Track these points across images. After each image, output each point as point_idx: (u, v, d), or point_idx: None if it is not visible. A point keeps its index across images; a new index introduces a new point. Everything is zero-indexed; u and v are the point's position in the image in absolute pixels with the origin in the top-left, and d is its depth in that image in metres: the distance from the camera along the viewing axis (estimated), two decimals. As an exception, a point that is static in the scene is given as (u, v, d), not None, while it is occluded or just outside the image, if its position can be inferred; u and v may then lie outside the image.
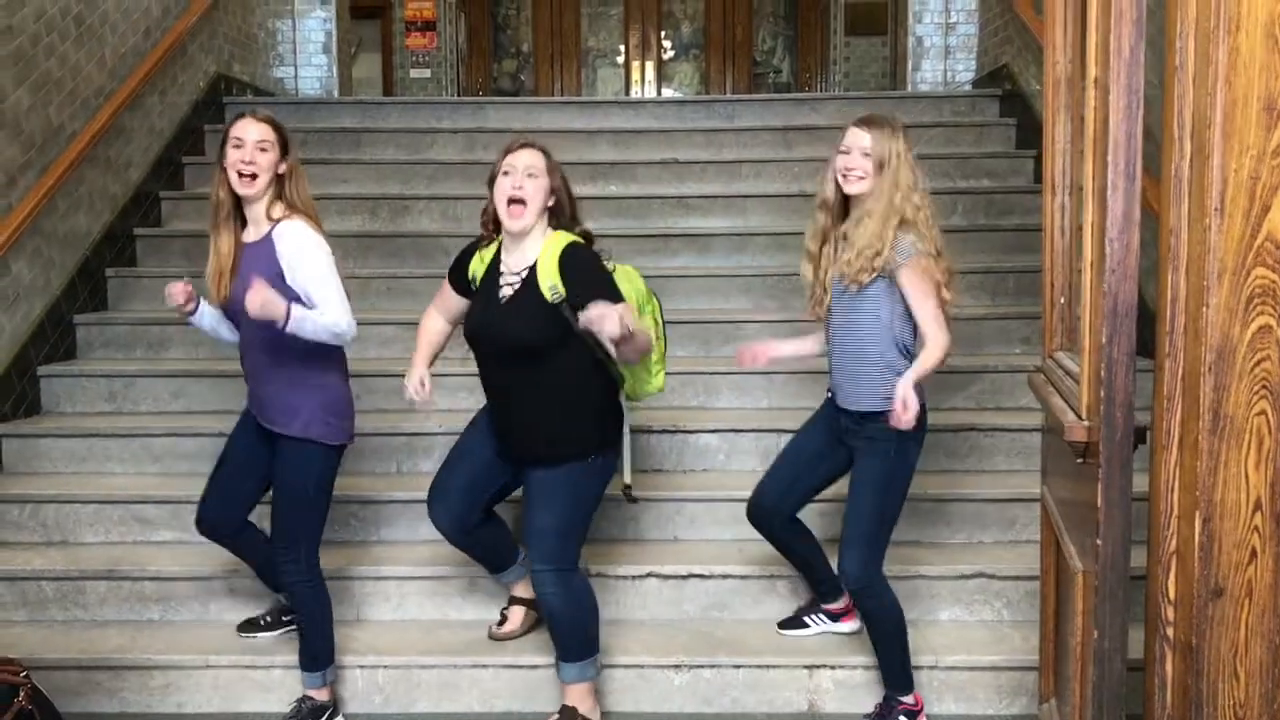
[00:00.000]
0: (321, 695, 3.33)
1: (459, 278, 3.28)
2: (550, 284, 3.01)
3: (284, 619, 3.64)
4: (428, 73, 11.91)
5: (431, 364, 3.35)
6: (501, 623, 3.62)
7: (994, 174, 5.85)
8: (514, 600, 3.62)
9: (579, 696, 3.23)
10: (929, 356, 3.00)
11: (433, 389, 3.26)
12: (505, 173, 3.07)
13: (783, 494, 3.34)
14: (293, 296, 3.03)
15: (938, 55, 7.97)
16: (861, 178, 3.00)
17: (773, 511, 3.36)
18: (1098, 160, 1.95)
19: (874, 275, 2.98)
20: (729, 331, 4.80)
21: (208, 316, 3.34)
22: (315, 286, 3.06)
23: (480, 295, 3.17)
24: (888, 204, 2.96)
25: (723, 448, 4.25)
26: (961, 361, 4.52)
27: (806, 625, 3.59)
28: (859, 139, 3.02)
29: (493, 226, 3.18)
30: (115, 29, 5.25)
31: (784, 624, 3.62)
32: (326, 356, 3.19)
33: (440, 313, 3.37)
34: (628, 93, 13.02)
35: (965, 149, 6.05)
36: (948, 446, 4.19)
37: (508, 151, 3.12)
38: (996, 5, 6.70)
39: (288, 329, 2.96)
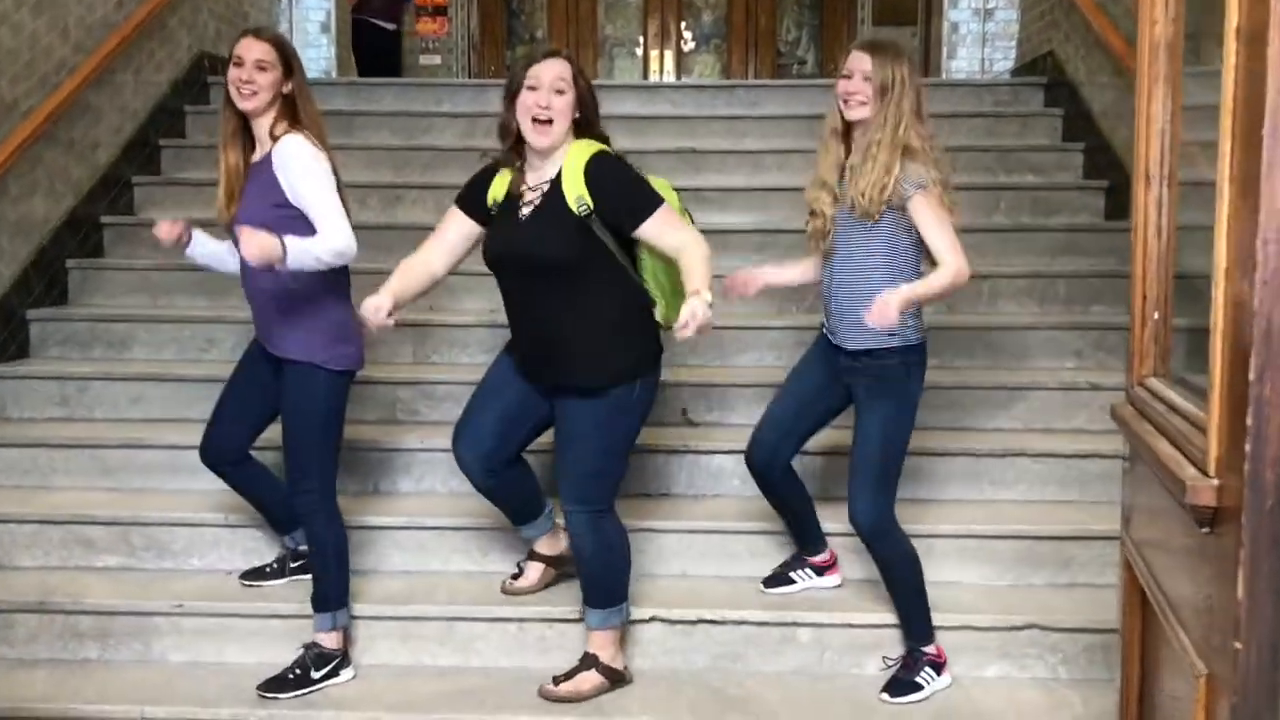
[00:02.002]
0: (330, 641, 3.14)
1: (474, 202, 3.04)
2: (576, 195, 2.85)
3: (292, 565, 3.39)
4: (438, 59, 11.48)
5: (399, 308, 2.96)
6: (516, 576, 3.37)
7: (1039, 169, 5.36)
8: (533, 555, 3.36)
9: (601, 644, 3.08)
10: (939, 278, 2.91)
11: (391, 321, 2.91)
12: (531, 87, 2.85)
13: (783, 436, 3.19)
14: (291, 212, 2.98)
15: (974, 43, 7.51)
16: (863, 103, 2.91)
17: (773, 456, 3.20)
18: (1239, 136, 1.48)
19: (885, 207, 2.90)
20: (748, 339, 4.33)
21: (201, 246, 3.27)
22: (311, 204, 2.98)
23: (501, 217, 2.99)
24: (892, 133, 2.88)
25: (738, 471, 3.74)
26: (1007, 377, 4.06)
27: (793, 581, 3.37)
28: (860, 62, 2.92)
29: (513, 144, 2.95)
30: (83, -2, 4.82)
31: (769, 582, 3.38)
32: (327, 280, 3.08)
33: (433, 249, 3.09)
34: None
35: (1007, 141, 5.56)
36: (993, 474, 3.72)
37: (531, 61, 2.89)
38: (1042, -12, 6.20)
39: (289, 266, 2.87)
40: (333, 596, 3.14)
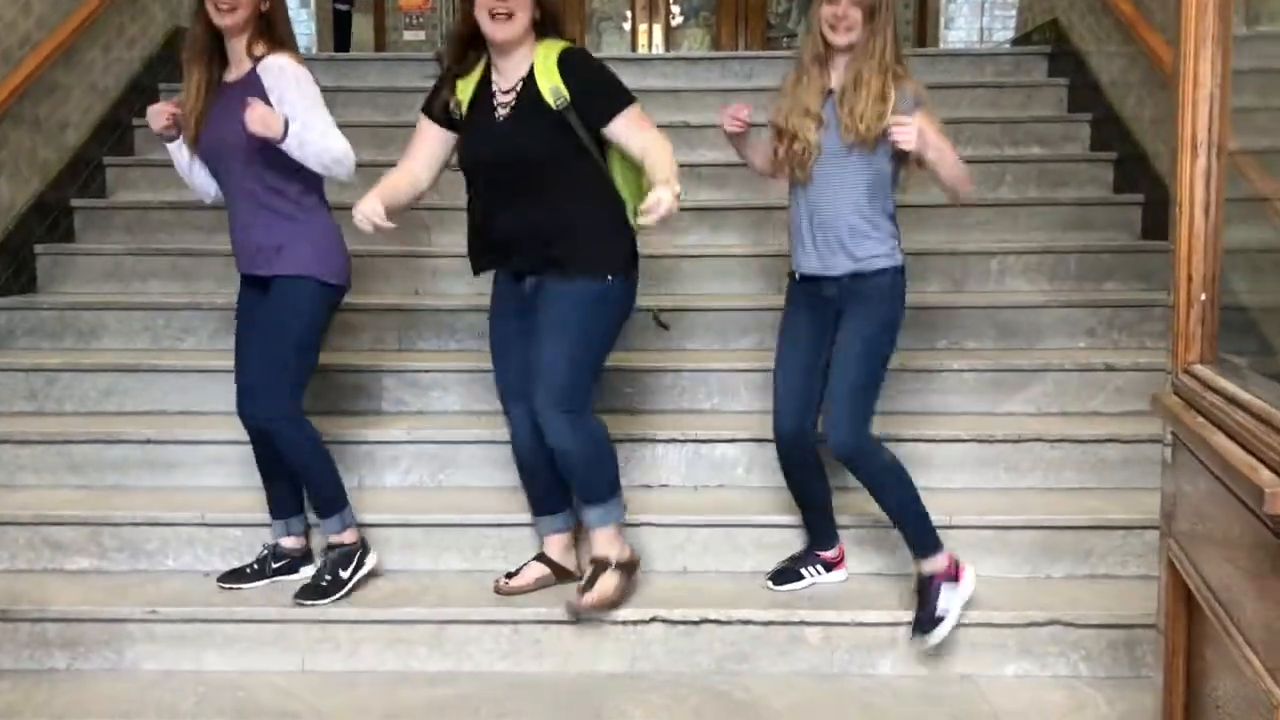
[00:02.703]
0: (347, 537, 3.19)
1: (441, 109, 3.04)
2: (552, 87, 2.87)
3: (274, 566, 3.24)
4: (422, 35, 11.21)
5: (388, 215, 2.92)
6: (513, 575, 3.20)
7: (1045, 140, 5.17)
8: (542, 558, 3.22)
9: (607, 542, 3.06)
10: (953, 155, 2.90)
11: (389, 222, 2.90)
12: None
13: (804, 404, 3.06)
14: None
15: (972, 12, 7.32)
16: (851, 28, 2.86)
17: (800, 425, 3.06)
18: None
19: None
20: (746, 321, 4.15)
21: (185, 158, 3.17)
22: (308, 114, 2.95)
23: (471, 122, 2.99)
24: (881, 56, 2.87)
25: (742, 460, 3.61)
26: (1020, 358, 3.89)
27: (801, 577, 3.21)
28: None
29: (466, 47, 2.97)
30: (46, -29, 4.59)
31: (777, 578, 3.22)
32: (314, 193, 3.10)
33: (415, 159, 3.10)
34: (634, 58, 12.28)
35: (1011, 113, 5.36)
36: (1008, 460, 3.55)
37: None
38: (1045, -48, 6.00)
39: (286, 142, 2.87)
40: (332, 496, 3.18)
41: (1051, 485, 3.55)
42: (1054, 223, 4.65)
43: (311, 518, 3.29)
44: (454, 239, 4.60)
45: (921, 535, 3.02)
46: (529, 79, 2.91)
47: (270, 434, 3.10)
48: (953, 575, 3.02)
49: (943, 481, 3.50)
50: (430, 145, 3.10)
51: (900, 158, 2.92)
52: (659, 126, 5.20)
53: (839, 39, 2.88)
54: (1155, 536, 3.26)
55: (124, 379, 3.92)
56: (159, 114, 3.06)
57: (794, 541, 3.31)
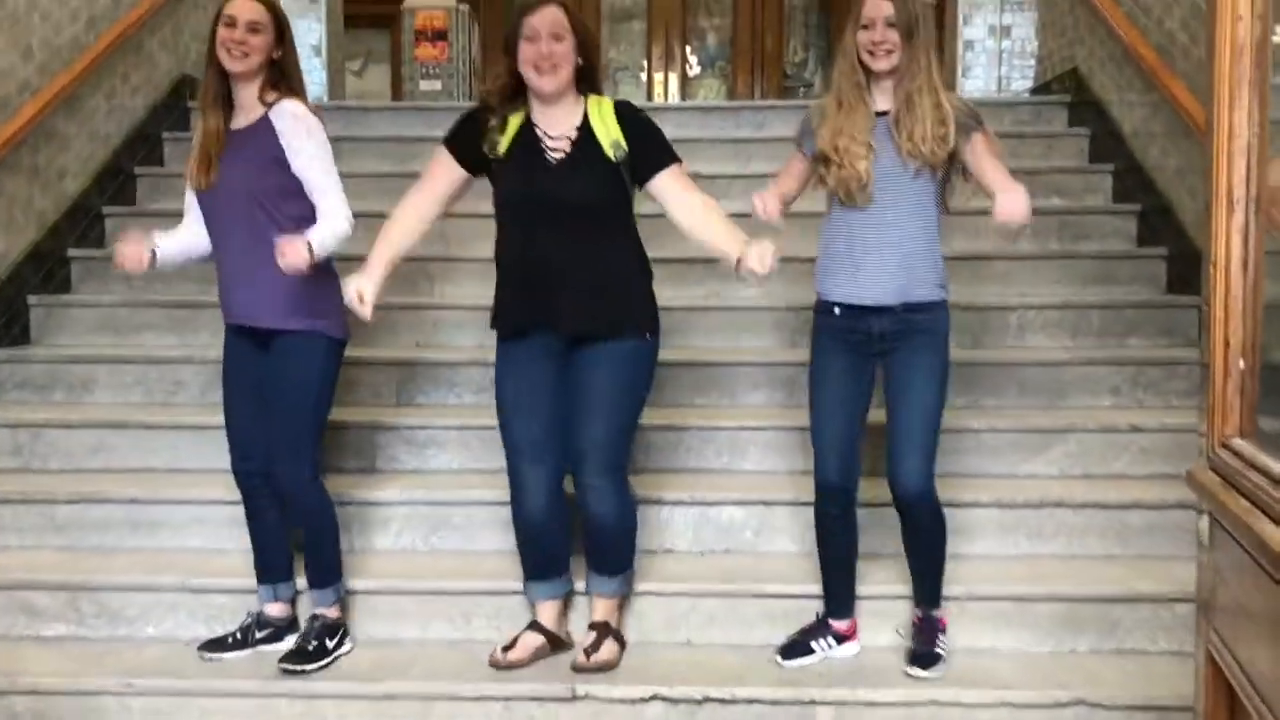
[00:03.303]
0: (334, 612, 3.10)
1: (468, 148, 2.95)
2: (612, 140, 2.87)
3: (257, 635, 3.10)
4: (438, 85, 11.19)
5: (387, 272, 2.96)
6: (509, 647, 3.02)
7: (1065, 191, 5.03)
8: (535, 626, 3.06)
9: (613, 609, 3.06)
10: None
11: (373, 304, 2.88)
12: (528, 38, 2.82)
13: (851, 459, 2.93)
14: (285, 181, 2.92)
15: (990, 61, 7.19)
16: (891, 51, 2.76)
17: (846, 487, 2.94)
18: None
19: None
20: (757, 376, 4.00)
21: (168, 254, 3.11)
22: (319, 171, 2.94)
23: (515, 162, 2.90)
24: (928, 75, 2.78)
25: (750, 523, 3.45)
26: (1041, 418, 3.73)
27: (813, 651, 3.05)
28: (880, 8, 2.77)
29: (507, 95, 2.91)
30: (48, 17, 4.53)
31: (787, 652, 3.05)
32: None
33: (423, 202, 3.03)
34: (650, 107, 12.25)
35: (1031, 163, 5.22)
36: (1030, 526, 3.38)
37: (527, 11, 2.86)
38: (1065, 2, 5.89)
39: (317, 258, 2.85)
40: (335, 567, 3.11)
41: (1075, 553, 3.37)
42: (1076, 276, 4.50)
43: (300, 583, 3.15)
44: (459, 290, 4.51)
45: (939, 587, 3.01)
46: (584, 129, 2.89)
47: (294, 499, 3.02)
48: (943, 627, 3.04)
49: (962, 547, 3.31)
50: (444, 188, 3.01)
51: (946, 174, 2.86)
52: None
53: (880, 64, 2.78)
54: (1186, 609, 3.12)
55: (112, 435, 3.79)
56: (134, 262, 3.03)
57: (803, 611, 3.14)
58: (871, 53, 2.78)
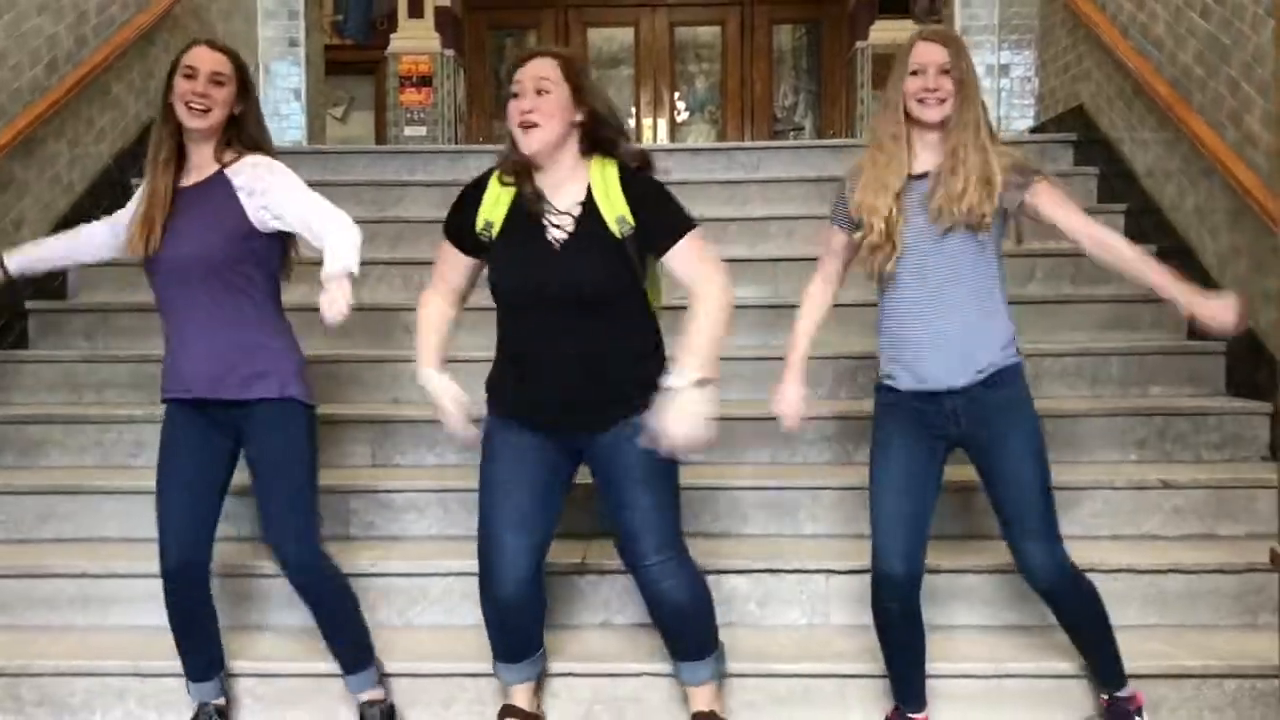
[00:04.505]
0: (380, 693, 2.87)
1: (467, 233, 2.65)
2: (618, 216, 2.55)
3: None
4: (423, 130, 11.04)
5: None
6: None
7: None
8: (512, 711, 2.79)
9: (712, 697, 2.77)
10: (1147, 259, 2.61)
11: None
12: (514, 94, 2.56)
13: (917, 546, 2.62)
14: (248, 248, 2.69)
15: (988, 101, 7.03)
16: (943, 100, 2.54)
17: (912, 577, 2.63)
18: None
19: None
20: (760, 431, 3.73)
21: (27, 262, 3.00)
22: (298, 201, 2.71)
23: (508, 242, 2.60)
24: (977, 131, 2.54)
25: (754, 594, 3.19)
26: (1066, 474, 3.45)
27: None
28: (933, 54, 2.55)
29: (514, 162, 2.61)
30: (5, 58, 4.30)
31: None
32: (278, 305, 2.82)
33: (445, 293, 2.73)
34: (639, 152, 12.10)
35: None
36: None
37: (514, 66, 2.60)
38: (1067, 38, 5.71)
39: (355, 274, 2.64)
40: (367, 643, 2.87)
41: (1110, 623, 3.10)
42: (1092, 322, 4.29)
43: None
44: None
45: (1118, 665, 2.75)
46: (588, 203, 2.57)
47: (313, 580, 2.78)
48: (1140, 707, 2.79)
49: (988, 619, 3.07)
50: (460, 281, 2.72)
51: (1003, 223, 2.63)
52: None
53: (930, 114, 2.55)
54: (1235, 686, 2.86)
55: (64, 502, 3.52)
56: None
57: (812, 693, 2.89)
58: (922, 100, 2.54)
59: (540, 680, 2.86)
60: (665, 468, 2.60)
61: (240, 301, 2.72)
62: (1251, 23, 3.86)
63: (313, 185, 5.38)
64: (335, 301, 2.57)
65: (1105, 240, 2.63)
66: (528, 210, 2.58)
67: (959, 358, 2.57)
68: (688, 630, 2.72)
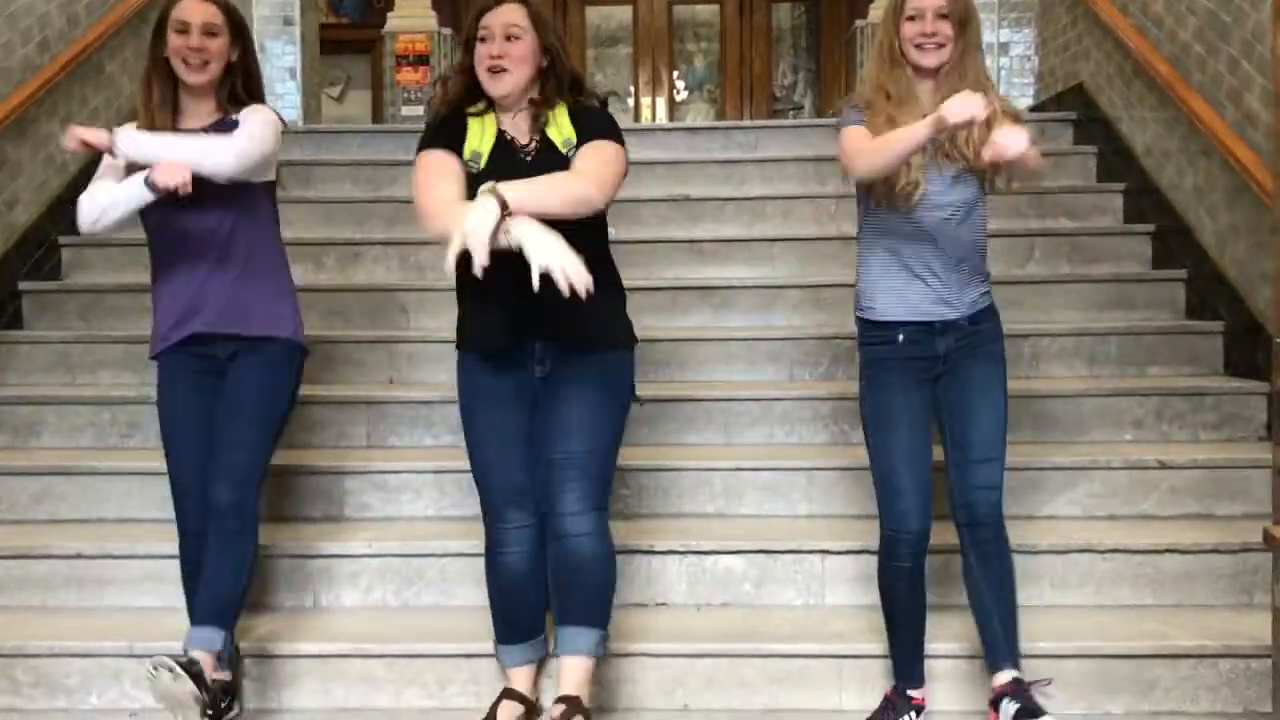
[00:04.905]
0: (226, 674, 2.73)
1: (457, 148, 2.60)
2: (564, 138, 2.60)
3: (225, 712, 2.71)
4: (420, 109, 10.99)
5: None
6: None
7: (1074, 212, 4.80)
8: (511, 694, 2.72)
9: (587, 678, 2.63)
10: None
11: None
12: (482, 38, 2.58)
13: (930, 502, 2.63)
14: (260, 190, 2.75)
15: (988, 81, 7.00)
16: (942, 44, 2.52)
17: (922, 533, 2.62)
18: None
19: None
20: (755, 412, 3.74)
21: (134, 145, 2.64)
22: (245, 126, 2.65)
23: (497, 166, 2.57)
24: (977, 77, 2.52)
25: (749, 574, 3.17)
26: (1061, 455, 3.47)
27: None
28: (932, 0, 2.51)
29: (460, 101, 2.64)
30: (-4, 38, 4.28)
31: None
32: (280, 244, 2.85)
33: (454, 190, 2.54)
34: (637, 132, 12.05)
35: (1037, 183, 5.00)
36: (1054, 574, 3.12)
37: (484, 9, 2.61)
38: (1066, 16, 5.68)
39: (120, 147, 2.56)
40: (235, 610, 2.73)
41: (1104, 603, 3.11)
42: (1089, 301, 4.27)
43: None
44: (435, 322, 4.24)
45: (1016, 642, 2.68)
46: (543, 136, 2.63)
47: (237, 526, 2.68)
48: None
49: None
50: (457, 179, 2.56)
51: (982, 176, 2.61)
52: (658, 200, 4.87)
53: (928, 59, 2.52)
54: (1230, 665, 2.86)
55: (59, 483, 3.51)
56: (90, 140, 2.61)
57: (809, 673, 2.87)
58: (920, 46, 2.51)
59: (542, 665, 2.83)
60: (609, 420, 2.63)
61: (247, 241, 2.73)
62: (1251, 0, 3.83)
63: (307, 165, 5.41)
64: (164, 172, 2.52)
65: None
66: (507, 144, 2.61)
67: (959, 295, 2.60)
68: (584, 591, 2.62)
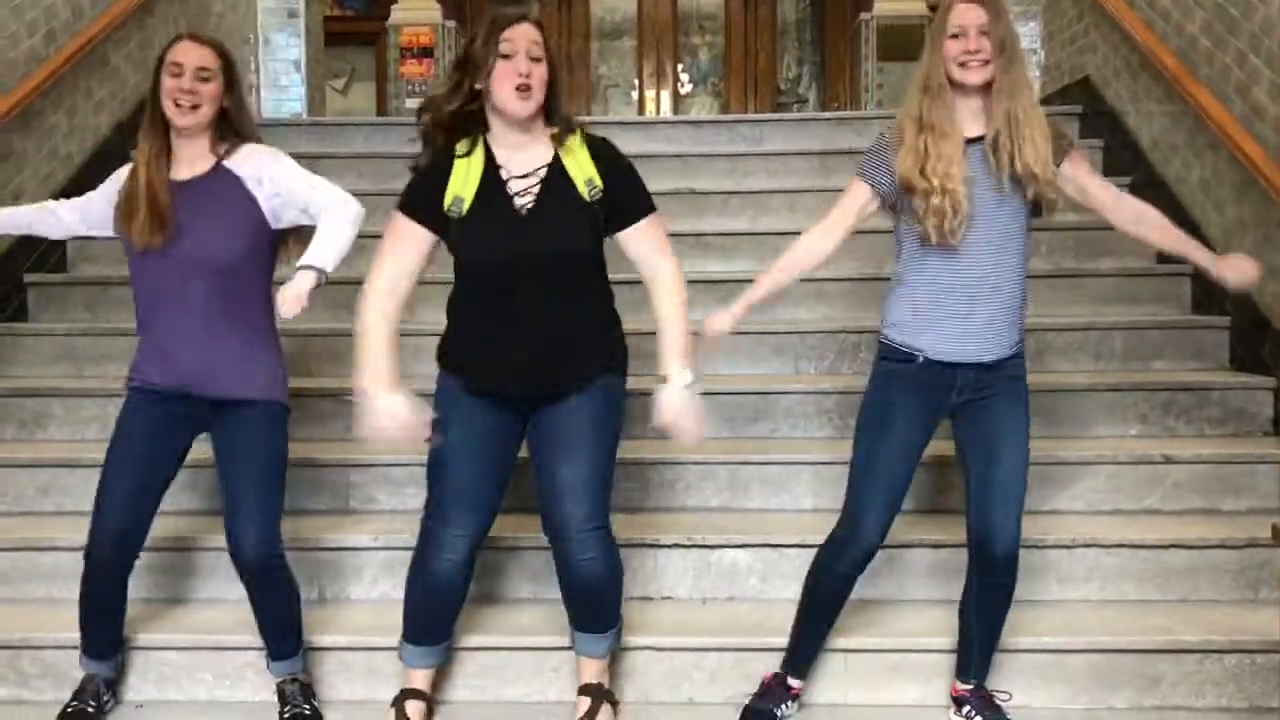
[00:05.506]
0: (304, 676, 2.87)
1: (432, 210, 2.54)
2: (587, 178, 2.53)
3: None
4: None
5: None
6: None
7: (1080, 205, 4.75)
8: (412, 694, 2.75)
9: (603, 669, 2.76)
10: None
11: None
12: (505, 55, 2.47)
13: (891, 518, 2.63)
14: (262, 230, 2.69)
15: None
16: (986, 62, 2.48)
17: (875, 549, 2.65)
18: None
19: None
20: (760, 406, 3.74)
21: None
22: (303, 182, 2.69)
23: (477, 213, 2.52)
24: (1028, 90, 2.50)
25: (755, 568, 3.18)
26: (1067, 449, 3.47)
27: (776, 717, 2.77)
28: (974, 16, 2.49)
29: (456, 125, 2.55)
30: (2, 28, 4.27)
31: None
32: (271, 309, 2.75)
33: (399, 281, 2.61)
34: (642, 124, 12.04)
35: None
36: (1059, 568, 3.12)
37: (502, 23, 2.50)
38: (1073, 9, 5.66)
39: (328, 271, 2.63)
40: (300, 633, 2.85)
41: (1109, 598, 3.11)
42: (1095, 296, 4.26)
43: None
44: (439, 316, 4.22)
45: (991, 655, 2.75)
46: (555, 166, 2.54)
47: (269, 577, 2.74)
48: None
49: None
50: (414, 261, 2.60)
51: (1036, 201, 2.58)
52: (663, 194, 4.86)
53: (972, 77, 2.48)
54: (1235, 661, 2.86)
55: (64, 475, 3.51)
56: None
57: (814, 666, 2.87)
58: (964, 64, 2.48)
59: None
60: (605, 440, 2.62)
61: (238, 301, 2.70)
62: (1260, -7, 3.82)
63: (312, 158, 5.37)
64: (288, 299, 2.54)
65: (1142, 210, 2.69)
66: (497, 179, 2.53)
67: (995, 333, 2.55)
68: (599, 605, 2.71)
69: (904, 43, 9.73)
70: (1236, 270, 2.62)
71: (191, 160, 2.69)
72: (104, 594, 2.75)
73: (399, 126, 5.84)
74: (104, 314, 4.35)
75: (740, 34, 12.18)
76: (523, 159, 2.55)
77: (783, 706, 2.77)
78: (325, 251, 2.63)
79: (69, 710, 2.77)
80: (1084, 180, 2.63)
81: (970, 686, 2.74)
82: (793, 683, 2.79)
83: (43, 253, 4.52)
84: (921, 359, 2.57)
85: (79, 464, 3.52)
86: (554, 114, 2.58)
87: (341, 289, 4.24)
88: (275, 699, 2.84)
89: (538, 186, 2.53)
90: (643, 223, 2.59)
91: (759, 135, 5.50)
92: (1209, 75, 4.17)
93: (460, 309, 2.65)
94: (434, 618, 2.73)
